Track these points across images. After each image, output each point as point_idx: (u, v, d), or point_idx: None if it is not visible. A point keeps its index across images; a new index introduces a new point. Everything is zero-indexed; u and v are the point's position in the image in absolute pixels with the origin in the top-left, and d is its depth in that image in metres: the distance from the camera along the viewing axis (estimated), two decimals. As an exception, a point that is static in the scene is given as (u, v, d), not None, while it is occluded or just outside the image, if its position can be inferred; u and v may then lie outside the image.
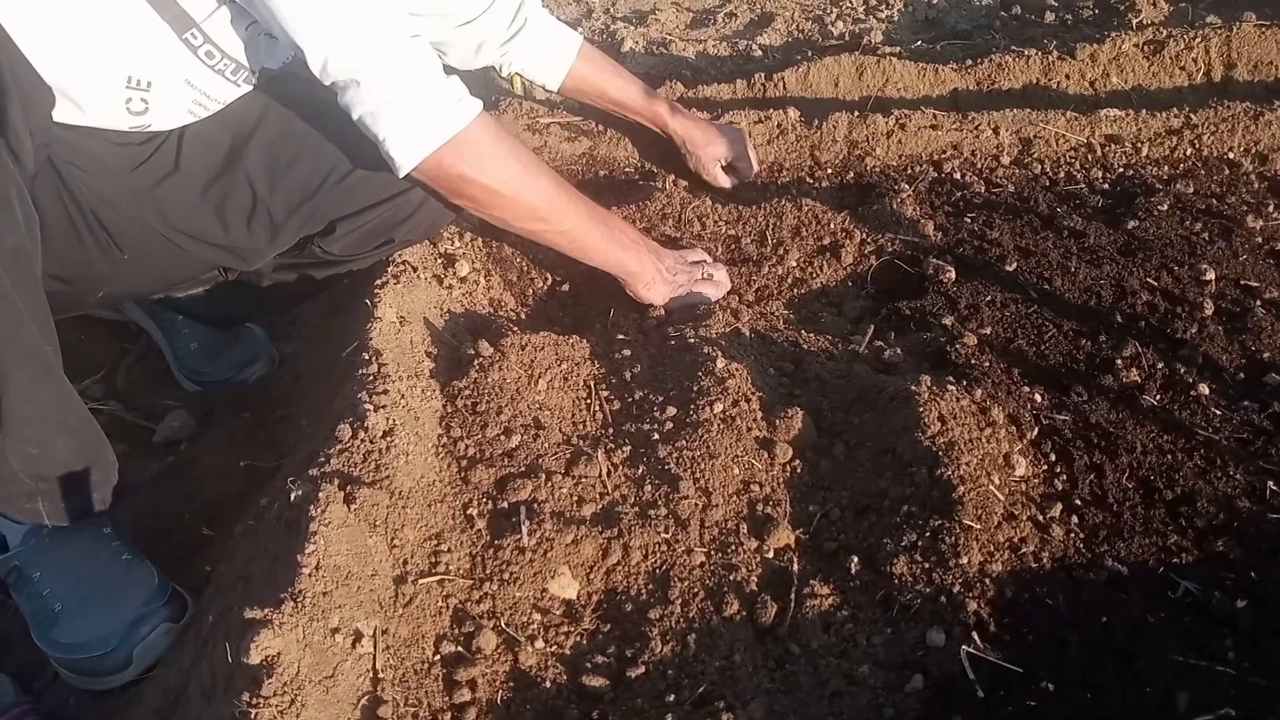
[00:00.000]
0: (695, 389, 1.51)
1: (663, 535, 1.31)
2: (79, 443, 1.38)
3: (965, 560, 1.24)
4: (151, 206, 1.50)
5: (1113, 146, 2.33)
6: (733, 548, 1.30)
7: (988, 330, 1.70)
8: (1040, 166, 2.28)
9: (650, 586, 1.26)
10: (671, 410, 1.48)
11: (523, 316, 1.85)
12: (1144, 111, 2.40)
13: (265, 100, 1.60)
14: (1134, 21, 2.94)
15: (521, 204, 1.60)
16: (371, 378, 1.42)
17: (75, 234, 1.42)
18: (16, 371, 1.25)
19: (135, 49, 1.42)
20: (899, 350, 1.66)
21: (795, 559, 1.30)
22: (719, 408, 1.46)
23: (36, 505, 1.36)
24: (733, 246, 1.99)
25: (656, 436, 1.44)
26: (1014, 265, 1.88)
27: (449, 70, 1.53)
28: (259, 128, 1.57)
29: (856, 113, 2.39)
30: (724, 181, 2.23)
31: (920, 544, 1.27)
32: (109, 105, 1.44)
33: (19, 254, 1.24)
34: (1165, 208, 2.04)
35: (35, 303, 1.28)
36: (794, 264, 1.94)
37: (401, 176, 1.52)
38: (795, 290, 1.90)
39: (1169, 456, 1.43)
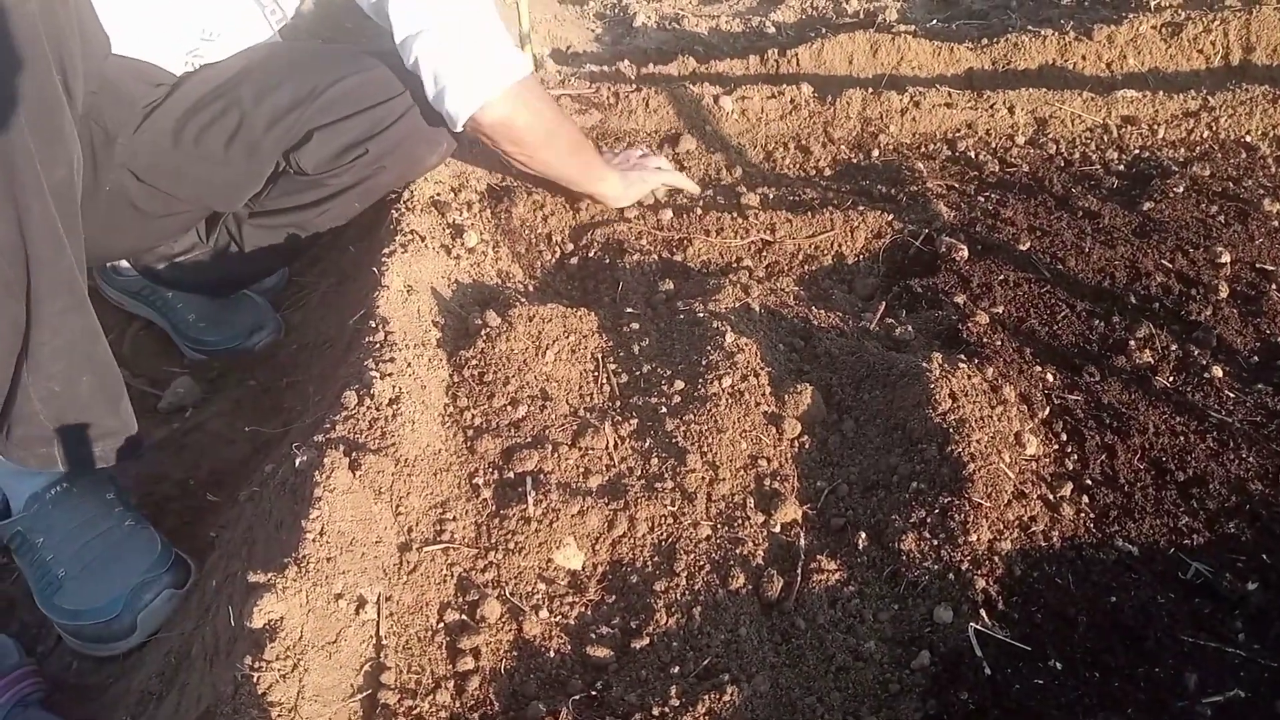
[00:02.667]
0: (704, 363, 1.49)
1: (669, 508, 1.30)
2: (101, 384, 1.37)
3: (974, 538, 1.23)
4: (139, 139, 1.51)
5: (1129, 128, 2.31)
6: (739, 522, 1.29)
7: (1000, 309, 1.69)
8: (1055, 146, 2.26)
9: (656, 559, 1.25)
10: (680, 384, 1.47)
11: (530, 288, 1.84)
12: (1161, 93, 2.38)
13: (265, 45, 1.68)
14: (1152, 3, 2.90)
15: (564, 147, 1.82)
16: (378, 346, 1.41)
17: None
18: (51, 299, 1.26)
19: (213, 8, 1.55)
20: (910, 328, 1.64)
21: (802, 534, 1.29)
22: (727, 382, 1.45)
23: (52, 450, 1.35)
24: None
25: (664, 410, 1.43)
26: (1027, 245, 1.86)
27: None
28: (255, 62, 1.63)
29: (870, 90, 2.37)
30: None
31: (929, 521, 1.26)
32: (172, 54, 1.55)
33: (66, 186, 1.26)
34: (1181, 190, 2.02)
35: (75, 238, 1.29)
36: (805, 240, 1.92)
37: (459, 128, 1.67)
38: (806, 266, 1.88)
39: (1181, 438, 1.42)
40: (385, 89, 1.64)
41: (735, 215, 1.96)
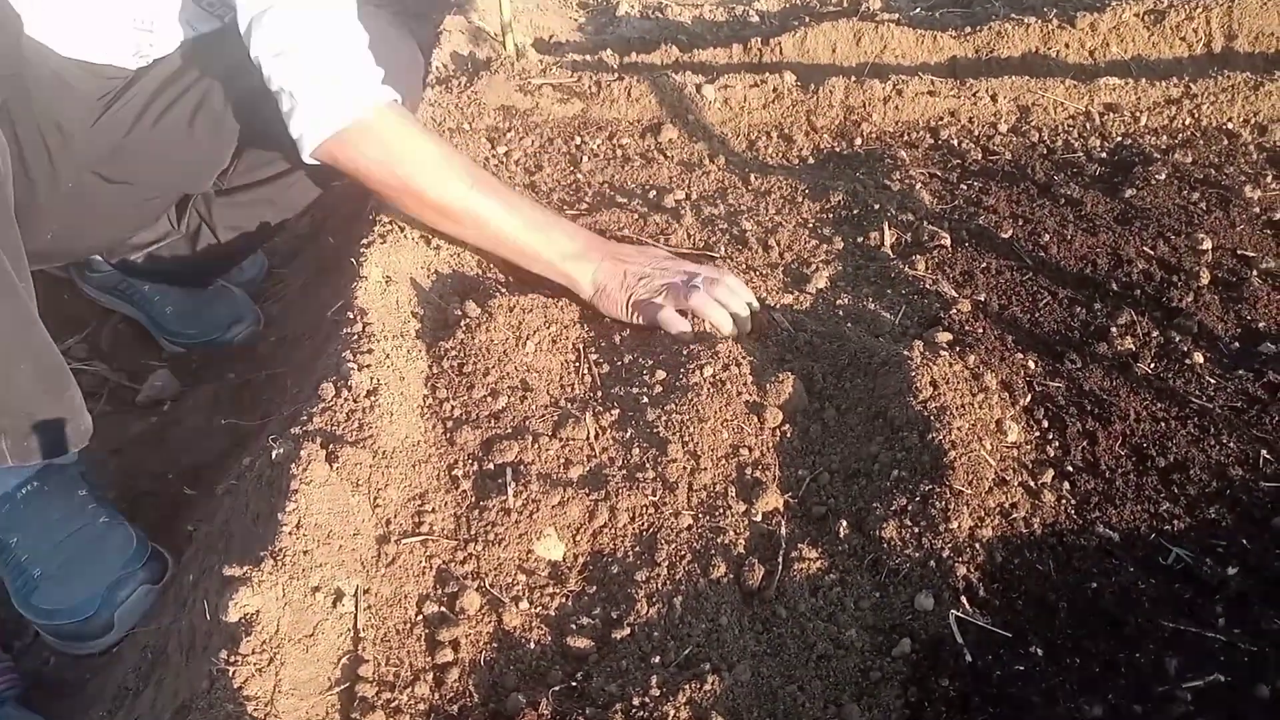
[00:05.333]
0: (685, 353, 1.49)
1: (650, 498, 1.29)
2: (42, 371, 1.33)
3: (955, 525, 1.22)
4: (99, 132, 1.49)
5: (1111, 115, 2.31)
6: (720, 511, 1.29)
7: (982, 296, 1.68)
8: (1038, 134, 2.26)
9: (637, 549, 1.24)
10: (661, 374, 1.46)
11: (511, 279, 1.82)
12: (1143, 81, 2.38)
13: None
14: (1135, -9, 2.90)
15: (426, 200, 1.54)
16: (356, 337, 1.40)
17: (20, 155, 1.39)
18: None
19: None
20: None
21: (783, 523, 1.28)
22: (709, 372, 1.44)
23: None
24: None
25: (645, 400, 1.42)
26: (1010, 232, 1.86)
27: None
28: (213, 41, 1.59)
29: (853, 78, 2.36)
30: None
31: (910, 508, 1.26)
32: (119, 49, 1.50)
33: None
34: (1163, 177, 2.02)
35: (4, 227, 1.25)
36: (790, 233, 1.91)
37: (306, 158, 1.50)
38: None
39: (1162, 424, 1.42)
40: None
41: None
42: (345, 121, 1.46)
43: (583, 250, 1.59)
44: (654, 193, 2.02)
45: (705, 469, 1.33)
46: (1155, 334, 1.59)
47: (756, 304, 1.60)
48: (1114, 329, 1.59)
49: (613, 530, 1.26)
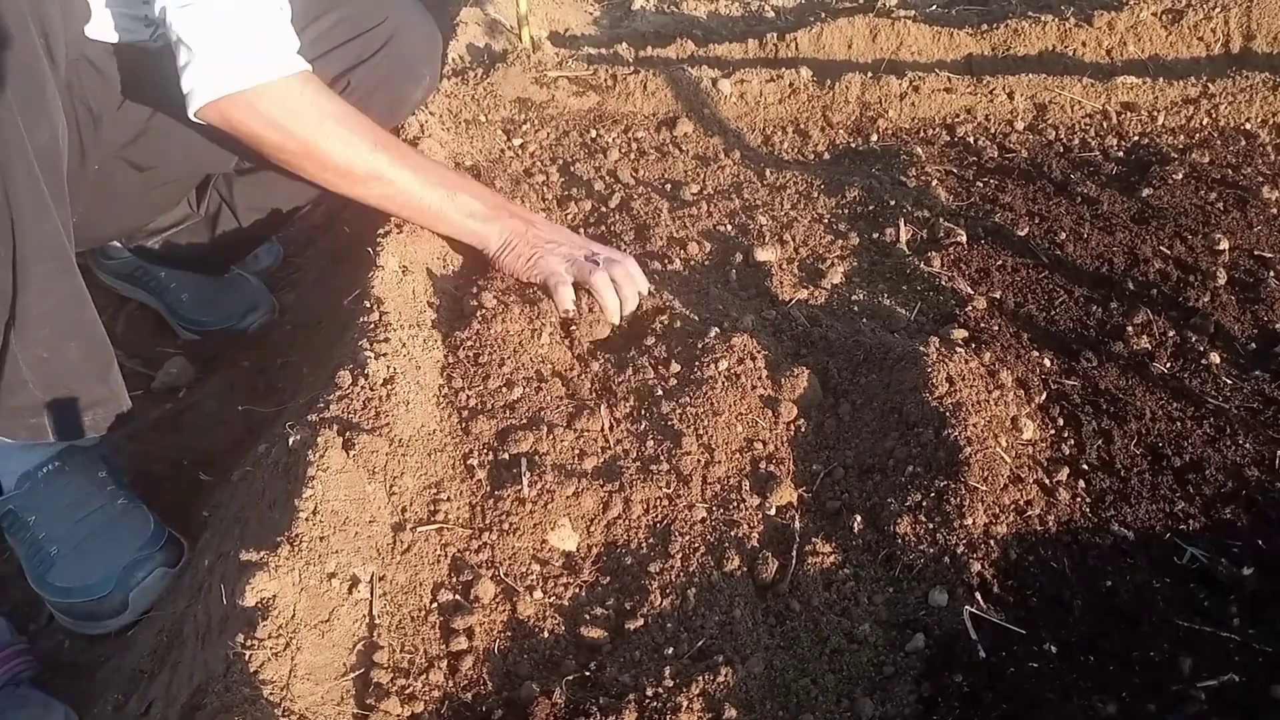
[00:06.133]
0: (700, 346, 1.49)
1: (664, 490, 1.29)
2: (90, 350, 1.35)
3: (970, 521, 1.22)
4: (125, 115, 1.49)
5: (1128, 114, 2.30)
6: (735, 504, 1.29)
7: (998, 294, 1.68)
8: (1055, 133, 2.25)
9: (651, 540, 1.25)
10: (676, 366, 1.47)
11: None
12: (1161, 80, 2.37)
13: None
14: (1153, -10, 2.88)
15: (329, 164, 1.46)
16: (373, 326, 1.40)
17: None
18: (37, 263, 1.24)
19: None
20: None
21: (797, 517, 1.29)
22: (724, 365, 1.44)
23: (42, 420, 1.33)
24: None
25: (660, 392, 1.43)
26: (1026, 230, 1.85)
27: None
28: None
29: (869, 74, 2.35)
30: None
31: (925, 504, 1.26)
32: (136, 27, 1.47)
33: (50, 151, 1.24)
34: (1180, 177, 2.01)
35: (61, 204, 1.27)
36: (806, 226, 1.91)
37: (192, 114, 1.39)
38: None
39: (1178, 424, 1.42)
40: (362, 22, 1.59)
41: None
42: (247, 83, 1.35)
43: (491, 211, 1.58)
44: (670, 186, 2.02)
45: (719, 462, 1.33)
46: (1171, 333, 1.59)
47: (648, 290, 1.63)
48: (1130, 328, 1.59)
49: (627, 522, 1.27)
